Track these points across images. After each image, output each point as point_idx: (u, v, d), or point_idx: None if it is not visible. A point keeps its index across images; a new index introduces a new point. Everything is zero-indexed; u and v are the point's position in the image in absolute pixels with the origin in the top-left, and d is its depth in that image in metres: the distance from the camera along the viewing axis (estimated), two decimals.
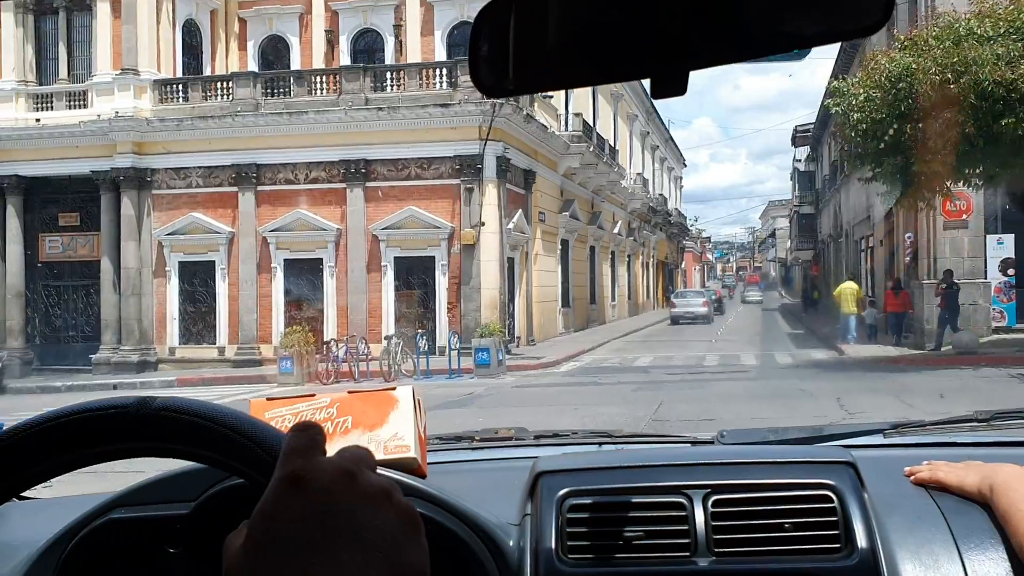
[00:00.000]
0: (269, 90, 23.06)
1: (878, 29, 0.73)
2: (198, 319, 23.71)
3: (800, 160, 61.88)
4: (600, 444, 1.92)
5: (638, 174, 43.67)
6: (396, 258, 22.48)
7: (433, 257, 22.29)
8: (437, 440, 1.94)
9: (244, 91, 22.83)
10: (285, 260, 23.12)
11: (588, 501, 1.35)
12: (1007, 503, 1.20)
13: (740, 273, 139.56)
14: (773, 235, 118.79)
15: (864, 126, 15.22)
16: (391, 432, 1.13)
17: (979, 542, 1.24)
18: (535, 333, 25.54)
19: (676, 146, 66.79)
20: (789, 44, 0.76)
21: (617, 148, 35.96)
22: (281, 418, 1.18)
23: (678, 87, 0.76)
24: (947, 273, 18.70)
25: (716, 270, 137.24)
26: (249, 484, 0.75)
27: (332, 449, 0.86)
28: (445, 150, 21.77)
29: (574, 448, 1.89)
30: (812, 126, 55.09)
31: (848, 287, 25.90)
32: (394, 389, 1.17)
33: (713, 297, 45.53)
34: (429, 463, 1.21)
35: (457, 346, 19.32)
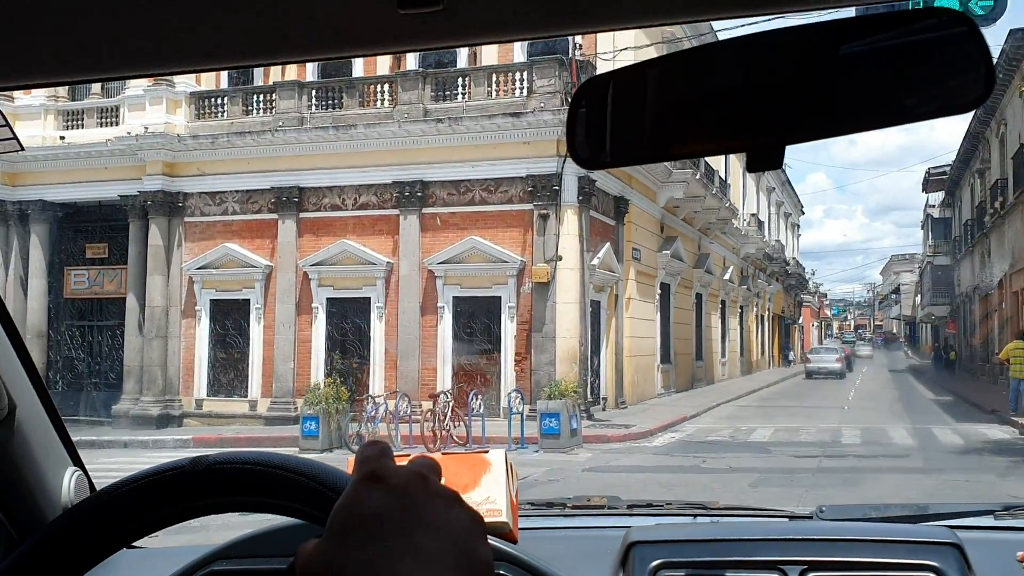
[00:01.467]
0: (317, 102, 19.80)
1: (980, 105, 0.73)
2: (229, 367, 20.35)
3: (934, 206, 55.68)
4: (695, 516, 1.89)
5: (752, 215, 38.92)
6: (455, 298, 18.62)
7: (499, 298, 18.34)
8: (529, 505, 1.94)
9: (288, 103, 19.65)
10: (328, 299, 19.59)
11: (681, 573, 1.34)
12: None
13: (859, 331, 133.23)
14: (897, 291, 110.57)
15: None
16: (483, 495, 1.13)
17: None
18: (626, 394, 21.19)
19: (793, 190, 61.44)
20: (888, 120, 0.76)
21: (728, 183, 31.50)
22: None
23: (774, 161, 0.77)
24: None
25: (833, 327, 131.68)
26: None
27: None
28: (516, 169, 17.96)
29: (668, 519, 1.86)
30: (949, 168, 49.20)
31: (1019, 346, 20.77)
32: (487, 452, 1.17)
33: (843, 354, 45.02)
34: (520, 528, 1.20)
35: (521, 409, 15.25)
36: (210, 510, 0.80)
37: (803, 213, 70.45)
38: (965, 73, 0.74)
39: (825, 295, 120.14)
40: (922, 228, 62.59)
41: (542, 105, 17.49)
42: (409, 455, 1.00)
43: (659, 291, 24.66)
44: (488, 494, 1.12)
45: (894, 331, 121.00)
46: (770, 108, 0.75)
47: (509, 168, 17.98)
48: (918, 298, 74.00)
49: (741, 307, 39.39)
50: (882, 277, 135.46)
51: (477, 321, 18.61)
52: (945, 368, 47.19)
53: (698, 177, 24.20)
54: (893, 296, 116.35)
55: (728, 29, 18.47)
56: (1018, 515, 1.75)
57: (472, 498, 1.10)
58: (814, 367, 41.13)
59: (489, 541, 0.97)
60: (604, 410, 19.62)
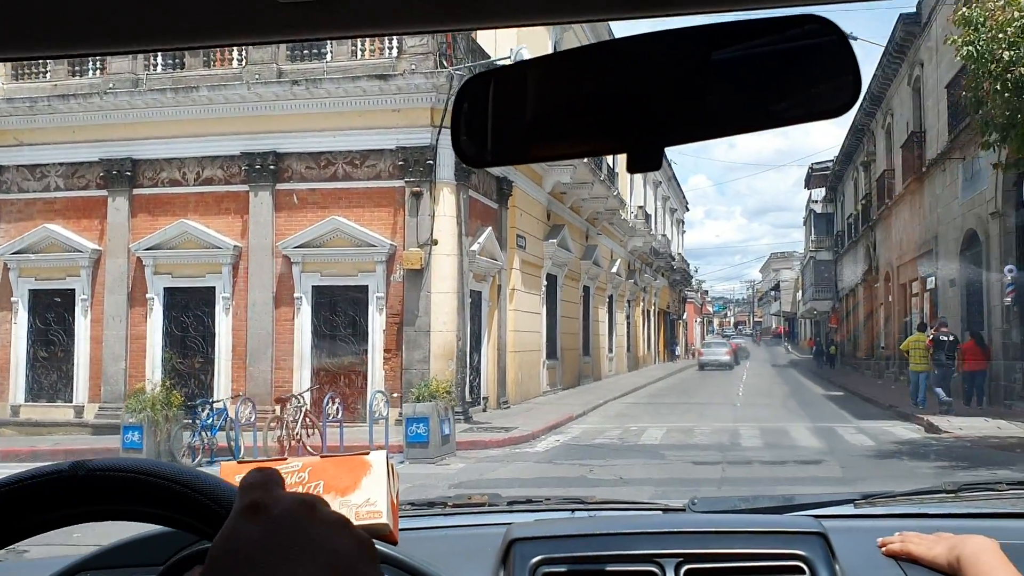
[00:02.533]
0: (154, 62, 17.17)
1: (846, 111, 0.76)
2: (51, 368, 17.47)
3: (817, 202, 56.30)
4: (573, 510, 1.91)
5: (639, 207, 37.83)
6: (315, 287, 16.33)
7: (366, 287, 16.16)
8: (410, 506, 1.93)
9: (121, 63, 16.93)
10: (166, 289, 16.97)
11: (561, 569, 1.36)
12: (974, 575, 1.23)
13: (739, 327, 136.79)
14: (777, 287, 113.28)
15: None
16: (363, 498, 1.13)
17: None
18: (509, 393, 19.37)
19: (679, 186, 61.19)
20: (759, 124, 0.78)
21: (616, 171, 30.15)
22: None
23: (653, 162, 0.78)
24: None
25: (714, 324, 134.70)
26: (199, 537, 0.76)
27: None
28: (385, 140, 15.83)
29: (547, 514, 1.86)
30: (832, 163, 49.60)
31: (920, 339, 20.04)
32: (367, 453, 1.17)
33: (732, 348, 48.36)
34: (401, 529, 1.21)
35: (386, 413, 13.20)
36: (88, 518, 0.76)
37: (688, 209, 70.54)
38: (833, 80, 0.77)
39: (707, 292, 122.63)
40: (804, 224, 63.44)
41: (413, 67, 15.44)
42: (262, 461, 1.11)
43: (545, 283, 22.97)
44: (368, 496, 1.12)
45: (773, 327, 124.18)
46: (647, 111, 0.77)
47: (376, 139, 15.85)
48: (799, 294, 75.35)
49: (628, 301, 38.28)
50: (761, 275, 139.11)
51: (340, 314, 16.37)
52: (827, 362, 47.68)
53: (586, 161, 22.61)
54: (773, 293, 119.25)
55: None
56: (876, 503, 1.84)
57: (352, 500, 1.11)
58: (706, 359, 44.08)
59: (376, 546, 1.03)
60: (485, 411, 17.75)
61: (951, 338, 19.00)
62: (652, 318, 47.52)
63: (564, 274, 24.91)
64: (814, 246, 54.82)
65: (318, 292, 16.31)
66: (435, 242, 15.65)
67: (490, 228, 17.98)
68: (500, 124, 0.82)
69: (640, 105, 0.77)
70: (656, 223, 46.24)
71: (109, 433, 15.50)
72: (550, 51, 21.91)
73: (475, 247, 16.89)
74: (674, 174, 57.28)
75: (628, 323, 38.24)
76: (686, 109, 0.77)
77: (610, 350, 33.31)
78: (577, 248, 26.80)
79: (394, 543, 1.14)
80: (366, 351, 16.07)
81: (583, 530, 1.52)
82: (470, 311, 16.97)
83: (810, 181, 56.46)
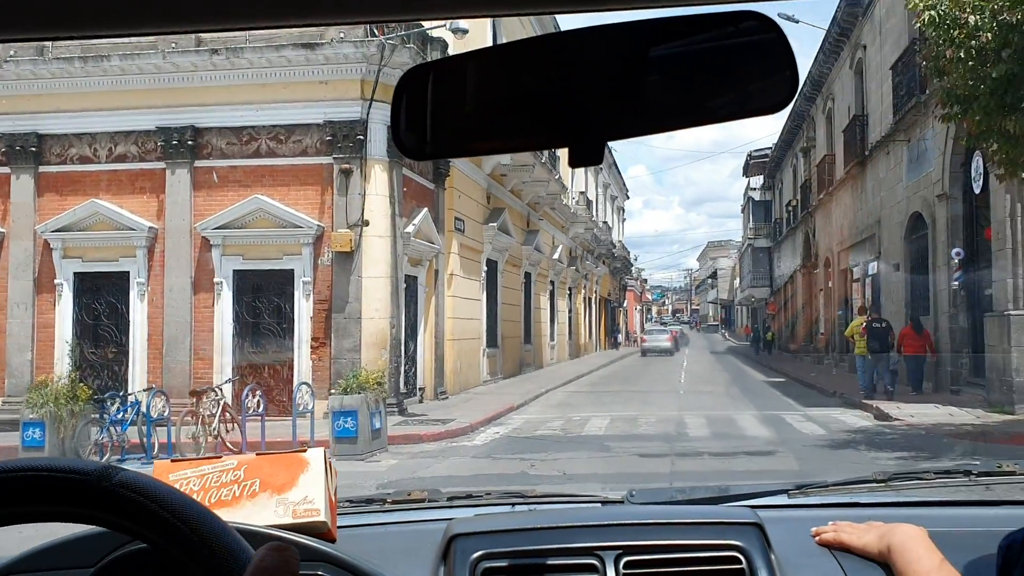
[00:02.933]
0: None
1: (783, 108, 0.78)
2: None
3: (755, 189, 56.49)
4: (513, 504, 1.91)
5: (581, 193, 37.27)
6: (236, 272, 15.27)
7: (291, 271, 15.16)
8: (348, 503, 1.89)
9: None
10: (76, 274, 15.74)
11: (502, 564, 1.36)
12: (903, 563, 1.26)
13: (677, 315, 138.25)
14: (714, 276, 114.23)
15: (990, 33, 8.80)
16: (301, 495, 1.13)
17: None
18: (447, 383, 18.56)
19: (620, 173, 60.91)
20: (699, 119, 0.79)
21: (558, 155, 29.50)
22: (186, 480, 1.19)
23: (595, 157, 0.78)
24: None
25: (652, 311, 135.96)
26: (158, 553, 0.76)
27: (240, 514, 1.10)
28: (312, 114, 14.83)
29: (487, 509, 1.87)
30: (771, 150, 49.72)
31: (864, 323, 19.82)
32: (305, 451, 1.18)
33: (672, 335, 50.38)
34: (340, 526, 1.25)
35: (311, 406, 12.28)
36: (106, 526, 0.77)
37: (628, 197, 70.40)
38: (771, 76, 0.77)
39: (646, 280, 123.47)
40: (742, 212, 63.71)
41: (342, 35, 14.45)
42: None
43: (485, 268, 22.18)
44: (306, 494, 1.12)
45: (711, 314, 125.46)
46: (588, 105, 0.76)
47: (303, 112, 14.83)
48: (736, 281, 75.89)
49: (570, 289, 37.73)
50: (699, 263, 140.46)
51: (264, 300, 15.32)
52: (764, 348, 47.98)
53: None
54: (710, 281, 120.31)
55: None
56: (809, 493, 1.85)
57: (289, 498, 1.10)
58: (649, 346, 45.95)
59: (307, 541, 1.07)
60: (421, 402, 16.91)
61: (883, 324, 18.88)
62: (593, 305, 47.12)
63: (505, 260, 24.15)
64: (752, 233, 55.02)
65: (240, 277, 15.25)
66: (366, 223, 14.72)
67: (426, 209, 17.11)
68: (440, 117, 0.81)
69: (581, 99, 0.77)
70: (597, 210, 45.79)
71: (14, 429, 14.32)
72: (489, 32, 21.28)
73: (410, 229, 16.01)
74: (615, 161, 56.95)
75: (570, 310, 37.71)
76: (626, 104, 0.76)
77: (552, 338, 32.71)
78: (518, 233, 26.06)
79: (332, 541, 1.17)
80: (292, 340, 15.09)
81: (523, 524, 1.52)
82: (405, 297, 16.09)
83: (748, 169, 56.62)
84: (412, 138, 0.83)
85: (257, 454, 1.21)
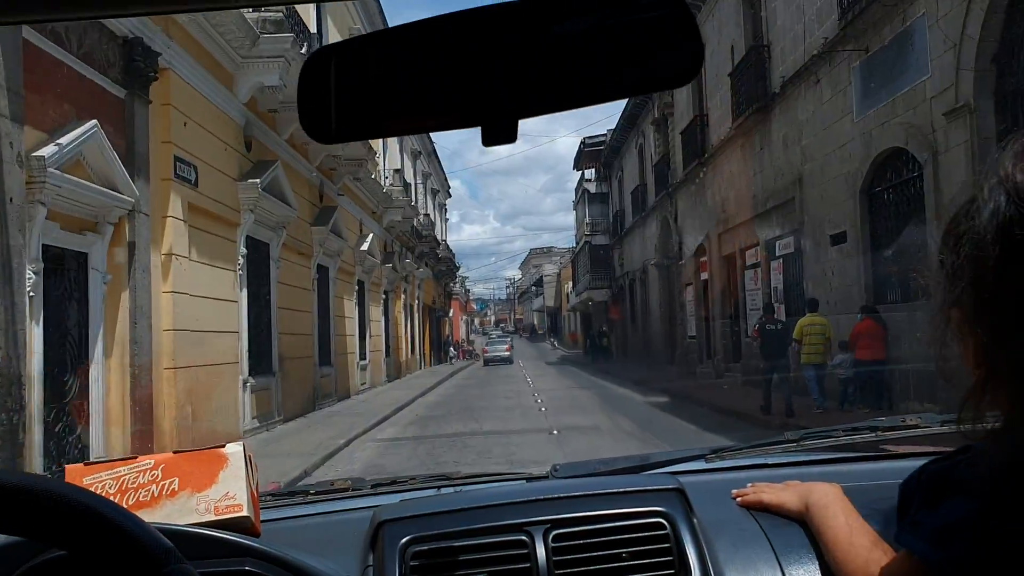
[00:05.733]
0: None
1: (689, 81, 0.78)
2: None
3: (591, 180, 50.89)
4: (439, 488, 1.86)
5: (396, 171, 29.76)
6: None
7: None
8: (270, 497, 1.84)
9: None
10: None
11: (431, 547, 1.33)
12: (820, 520, 1.28)
13: (500, 325, 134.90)
14: (539, 283, 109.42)
15: None
16: (222, 492, 1.10)
17: (798, 558, 1.31)
18: (166, 442, 10.53)
19: (440, 165, 53.78)
20: (604, 95, 0.78)
21: None
22: (101, 483, 1.15)
23: (509, 135, 0.77)
24: None
25: (475, 323, 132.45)
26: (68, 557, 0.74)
27: (160, 514, 1.09)
28: None
29: (413, 494, 1.81)
30: (607, 137, 44.11)
31: (816, 322, 13.70)
32: (224, 446, 1.13)
33: (511, 344, 51.76)
34: (263, 521, 1.25)
35: None
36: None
37: (450, 195, 63.45)
38: (675, 50, 0.78)
39: (469, 290, 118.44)
40: (575, 208, 58.01)
41: None
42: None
43: (245, 251, 14.25)
44: (227, 490, 1.09)
45: (535, 323, 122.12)
46: (496, 84, 0.76)
47: None
48: (568, 286, 70.22)
49: (386, 292, 30.05)
50: (521, 272, 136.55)
51: None
52: (602, 356, 43.08)
53: (304, 52, 14.12)
54: (534, 288, 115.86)
55: None
56: (725, 457, 1.89)
57: (210, 495, 1.06)
58: (490, 356, 47.70)
59: (231, 537, 1.04)
60: None
61: (779, 326, 15.23)
62: (416, 314, 39.60)
63: (282, 241, 16.27)
64: (589, 229, 49.32)
65: None
66: None
67: (97, 127, 9.09)
68: (345, 99, 0.79)
69: (488, 78, 0.76)
70: (417, 199, 38.42)
71: None
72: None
73: (52, 152, 8.01)
74: (435, 149, 49.80)
75: (386, 319, 30.03)
76: (535, 81, 0.76)
77: (363, 356, 24.91)
78: (306, 208, 18.26)
79: (257, 535, 1.14)
80: None
81: (451, 506, 1.48)
82: (48, 289, 8.07)
83: (581, 160, 50.96)
84: (319, 121, 0.80)
85: (175, 452, 1.16)
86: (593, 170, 50.60)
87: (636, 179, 37.07)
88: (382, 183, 27.56)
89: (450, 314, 64.02)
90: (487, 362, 47.17)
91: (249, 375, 14.13)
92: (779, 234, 18.49)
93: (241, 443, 1.16)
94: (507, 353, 47.69)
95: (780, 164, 18.07)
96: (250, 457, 1.16)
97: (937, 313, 0.97)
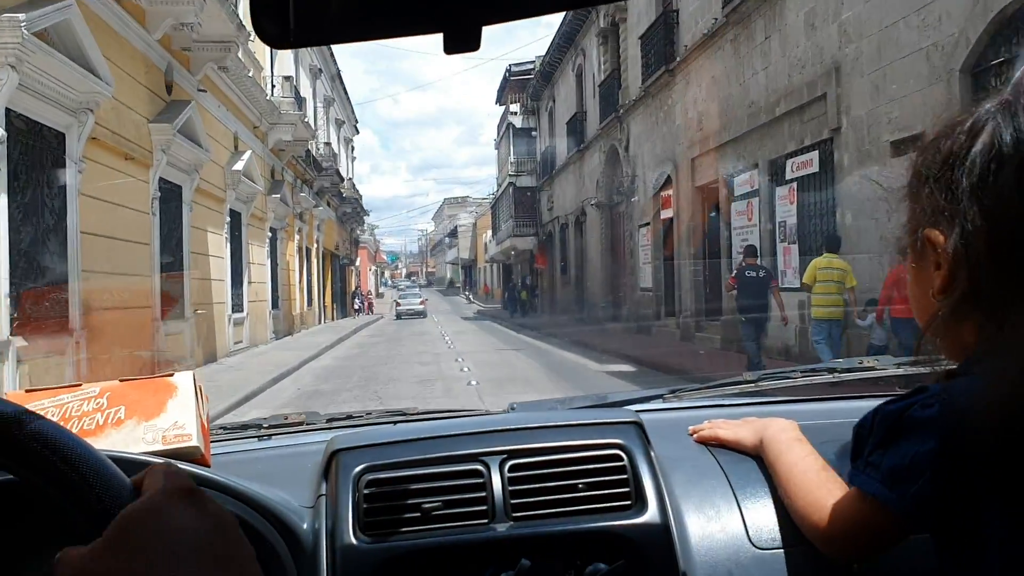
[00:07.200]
0: None
1: None
2: None
3: (516, 113, 45.63)
4: (395, 422, 1.80)
5: (286, 79, 23.99)
6: None
7: None
8: (221, 430, 1.79)
9: None
10: None
11: (385, 476, 1.30)
12: (774, 455, 1.29)
13: (412, 278, 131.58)
14: (454, 233, 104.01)
15: None
16: (170, 421, 1.07)
17: (753, 491, 1.32)
18: None
19: (346, 93, 47.70)
20: (574, 1, 0.75)
21: None
22: (44, 410, 1.11)
23: (472, 42, 0.73)
24: None
25: (386, 275, 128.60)
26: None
27: (106, 443, 1.04)
28: None
29: (369, 428, 1.76)
30: (538, 64, 38.80)
31: (835, 265, 10.90)
32: (172, 375, 1.10)
33: (425, 297, 50.62)
34: (214, 454, 1.21)
35: None
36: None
37: (358, 132, 57.35)
38: None
39: (379, 241, 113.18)
40: (497, 147, 52.65)
41: None
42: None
43: (18, 145, 8.70)
44: (176, 419, 1.06)
45: (448, 275, 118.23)
46: None
47: None
48: (487, 235, 64.95)
49: (274, 230, 24.42)
50: (434, 223, 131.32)
51: None
52: (521, 310, 39.26)
53: None
54: (448, 240, 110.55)
55: None
56: (683, 396, 1.89)
57: (158, 424, 1.03)
58: (403, 309, 46.04)
59: (184, 467, 1.01)
60: None
61: (761, 273, 12.66)
62: (315, 260, 33.96)
63: (88, 134, 10.72)
64: (514, 169, 44.20)
65: None
66: None
67: None
68: (302, 1, 0.72)
69: None
70: (318, 124, 32.62)
71: None
72: None
73: None
74: (340, 74, 43.76)
75: (274, 263, 24.43)
76: None
77: (237, 307, 19.42)
78: (136, 92, 12.68)
79: (207, 467, 1.08)
80: None
81: (407, 436, 1.43)
82: None
83: (505, 92, 45.68)
84: (274, 24, 0.73)
85: (121, 380, 1.11)
86: (518, 105, 45.45)
87: (573, 108, 32.09)
88: (267, 91, 21.89)
89: (357, 263, 58.27)
90: (399, 315, 45.49)
91: (11, 336, 8.72)
92: (793, 149, 13.83)
93: (191, 372, 1.10)
94: (421, 307, 46.42)
95: (800, 53, 13.36)
96: (200, 387, 1.10)
97: (906, 232, 0.95)
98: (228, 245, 18.45)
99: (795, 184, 13.87)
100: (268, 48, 22.62)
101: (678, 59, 18.95)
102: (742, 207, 16.06)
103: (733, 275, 13.19)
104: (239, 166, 18.57)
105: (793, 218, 13.99)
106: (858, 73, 11.59)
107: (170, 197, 14.36)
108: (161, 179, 13.77)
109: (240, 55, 17.90)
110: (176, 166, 14.43)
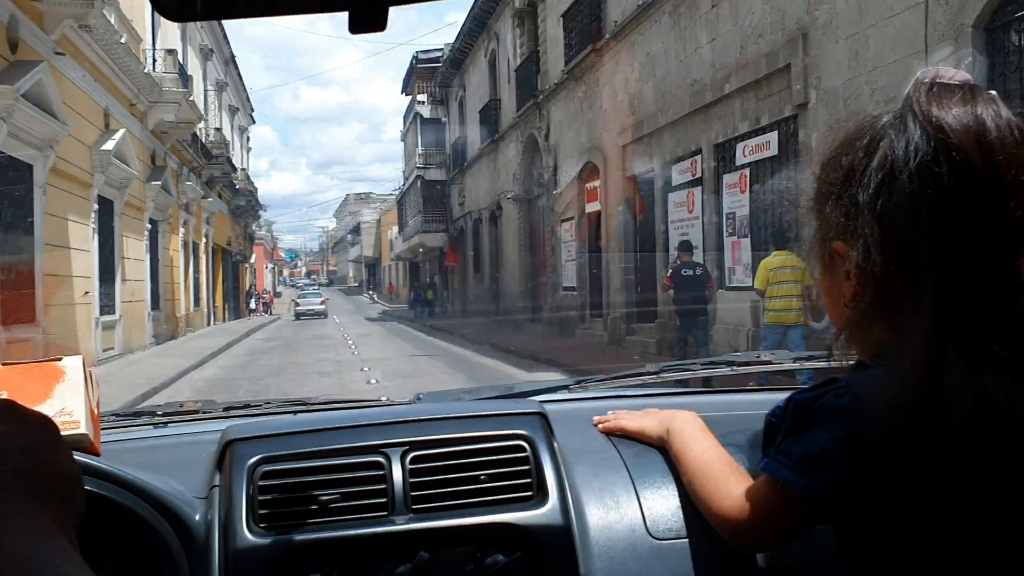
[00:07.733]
0: None
1: None
2: None
3: (423, 103, 43.49)
4: (295, 412, 1.76)
5: (169, 52, 21.37)
6: None
7: None
8: (113, 417, 1.73)
9: None
10: None
11: (282, 467, 1.26)
12: (679, 445, 1.27)
13: (311, 276, 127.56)
14: (357, 230, 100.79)
15: None
16: (57, 407, 1.03)
17: (653, 482, 1.29)
18: None
19: (242, 80, 44.70)
20: None
21: None
22: None
23: (377, 22, 0.70)
24: None
25: (284, 274, 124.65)
26: None
27: None
28: None
29: (267, 418, 1.69)
30: (447, 51, 36.81)
31: (788, 264, 9.50)
32: (60, 359, 1.06)
33: (325, 298, 48.58)
34: (105, 442, 1.14)
35: None
36: None
37: (254, 121, 54.23)
38: None
39: (277, 238, 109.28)
40: (403, 139, 50.34)
41: None
42: None
43: None
44: (63, 405, 1.02)
45: (351, 274, 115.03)
46: None
47: None
48: (393, 231, 62.46)
49: (154, 221, 21.74)
50: (336, 220, 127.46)
51: None
52: (425, 310, 37.62)
53: None
54: (351, 237, 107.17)
55: None
56: (588, 387, 1.88)
57: (45, 411, 0.95)
58: (303, 309, 44.26)
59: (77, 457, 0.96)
60: None
61: (698, 271, 11.92)
62: (204, 256, 31.14)
63: None
64: (422, 161, 42.06)
65: None
66: None
67: None
68: None
69: None
70: (208, 107, 29.85)
71: None
72: None
73: None
74: (234, 58, 40.82)
75: (154, 258, 21.75)
76: None
77: (108, 308, 16.84)
78: None
79: (96, 455, 1.06)
80: None
81: (306, 426, 1.39)
82: None
83: (412, 80, 43.53)
84: None
85: (3, 364, 1.05)
86: (426, 95, 43.33)
87: (486, 96, 30.23)
88: (146, 64, 19.32)
89: (252, 260, 55.09)
90: (298, 316, 43.68)
91: None
92: (745, 131, 12.31)
93: (80, 356, 1.04)
94: (322, 307, 44.85)
95: (755, 21, 11.84)
96: (90, 373, 1.05)
97: (814, 243, 0.98)
98: (96, 237, 15.90)
99: (747, 170, 12.36)
100: (148, 16, 20.04)
101: (606, 36, 17.32)
102: (681, 198, 14.52)
103: (668, 274, 12.43)
104: (109, 146, 16.02)
105: (745, 209, 12.48)
106: (831, 39, 10.10)
107: (17, 177, 11.87)
108: (10, 162, 11.29)
109: (112, 19, 15.43)
110: (22, 139, 11.94)
